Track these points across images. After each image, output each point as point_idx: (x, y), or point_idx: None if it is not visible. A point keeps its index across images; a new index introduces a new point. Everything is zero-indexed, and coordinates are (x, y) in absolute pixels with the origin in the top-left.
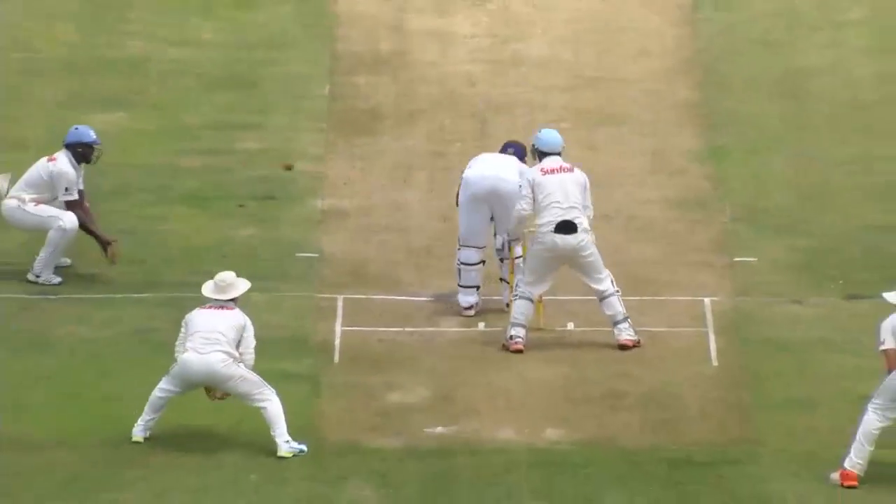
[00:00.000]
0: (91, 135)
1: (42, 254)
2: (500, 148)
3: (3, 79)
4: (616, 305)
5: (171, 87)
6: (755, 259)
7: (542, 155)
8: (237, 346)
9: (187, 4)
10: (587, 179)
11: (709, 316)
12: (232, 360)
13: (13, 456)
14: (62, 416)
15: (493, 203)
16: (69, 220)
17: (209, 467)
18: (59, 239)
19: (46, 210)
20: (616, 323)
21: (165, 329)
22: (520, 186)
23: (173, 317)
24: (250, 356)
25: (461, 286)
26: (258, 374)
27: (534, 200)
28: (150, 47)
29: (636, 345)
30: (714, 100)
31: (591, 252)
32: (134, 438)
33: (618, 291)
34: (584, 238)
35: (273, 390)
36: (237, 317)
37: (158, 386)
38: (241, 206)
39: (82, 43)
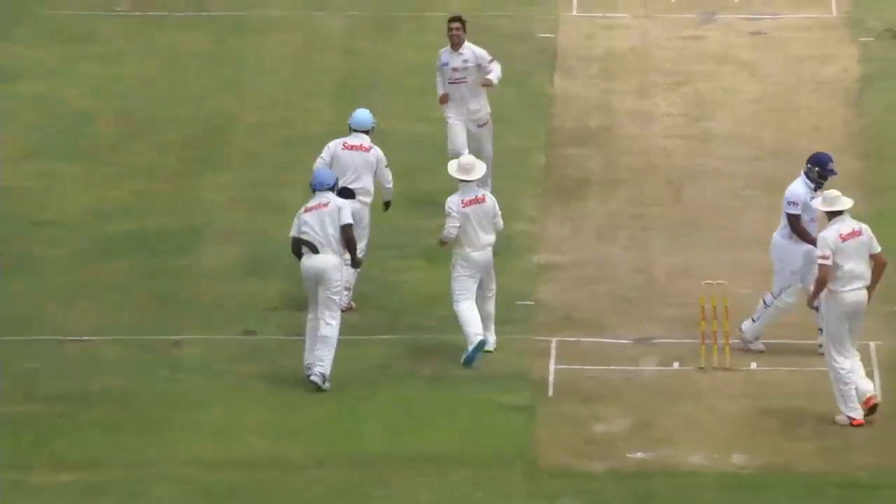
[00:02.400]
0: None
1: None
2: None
3: (270, 150)
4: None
5: (410, 158)
6: None
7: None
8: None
9: (426, 88)
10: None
11: (874, 357)
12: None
13: (278, 474)
14: (316, 440)
15: None
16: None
17: (441, 485)
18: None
19: None
20: None
21: (404, 366)
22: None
23: (411, 355)
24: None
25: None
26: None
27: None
28: (391, 123)
29: None
30: (877, 169)
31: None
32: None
33: None
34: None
35: None
36: (491, 205)
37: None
38: None
39: (334, 119)
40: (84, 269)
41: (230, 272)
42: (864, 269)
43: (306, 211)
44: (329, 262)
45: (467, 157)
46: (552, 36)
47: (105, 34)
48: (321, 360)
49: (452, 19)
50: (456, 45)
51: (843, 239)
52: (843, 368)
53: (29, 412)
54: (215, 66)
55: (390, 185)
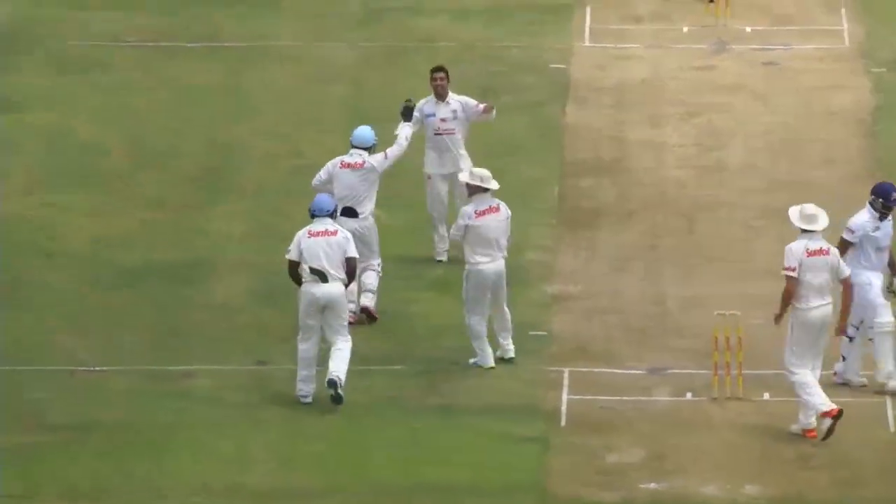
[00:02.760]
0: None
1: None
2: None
3: (279, 180)
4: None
5: (418, 189)
6: None
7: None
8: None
9: None
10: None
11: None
12: None
13: None
14: (327, 469)
15: None
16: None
17: None
18: None
19: None
20: None
21: (414, 397)
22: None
23: (421, 385)
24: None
25: None
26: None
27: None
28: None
29: None
30: None
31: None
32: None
33: None
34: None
35: None
36: (504, 215)
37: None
38: None
39: (343, 149)
40: (94, 300)
41: (240, 302)
42: (827, 287)
43: (310, 235)
44: (338, 289)
45: (482, 170)
46: (564, 66)
47: (115, 65)
48: (336, 371)
49: (437, 69)
50: (441, 96)
51: (809, 255)
52: (802, 380)
53: (38, 442)
54: (225, 96)
55: (402, 145)
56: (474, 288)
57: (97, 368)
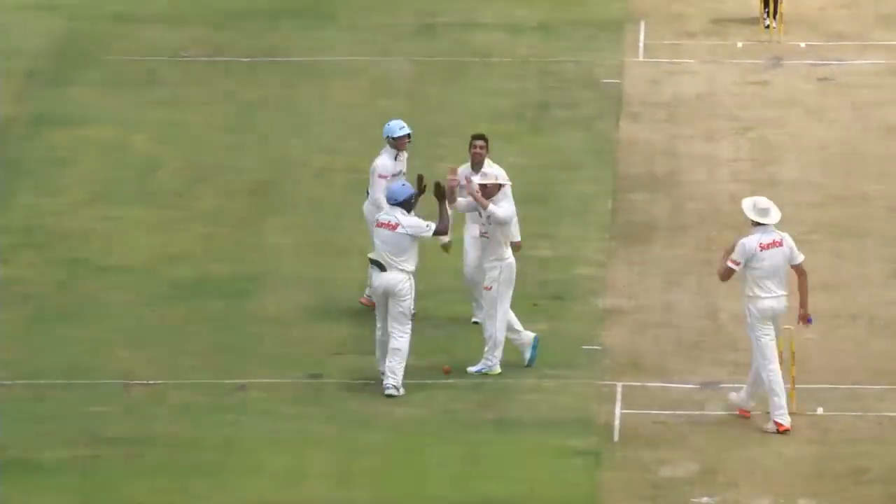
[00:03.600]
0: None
1: None
2: None
3: (335, 195)
4: None
5: None
6: None
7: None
8: None
9: (492, 133)
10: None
11: None
12: None
13: None
14: (382, 484)
15: None
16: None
17: None
18: None
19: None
20: None
21: (470, 410)
22: None
23: (476, 399)
24: None
25: None
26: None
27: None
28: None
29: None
30: None
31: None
32: None
33: None
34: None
35: None
36: None
37: None
38: (535, 304)
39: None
40: (150, 314)
41: (295, 316)
42: (780, 277)
43: (377, 225)
44: (396, 278)
45: (492, 169)
46: (618, 81)
47: (171, 79)
48: (393, 372)
49: (477, 136)
50: (476, 166)
51: (763, 248)
52: (777, 376)
53: (95, 456)
54: (281, 110)
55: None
56: (510, 281)
57: (152, 382)
